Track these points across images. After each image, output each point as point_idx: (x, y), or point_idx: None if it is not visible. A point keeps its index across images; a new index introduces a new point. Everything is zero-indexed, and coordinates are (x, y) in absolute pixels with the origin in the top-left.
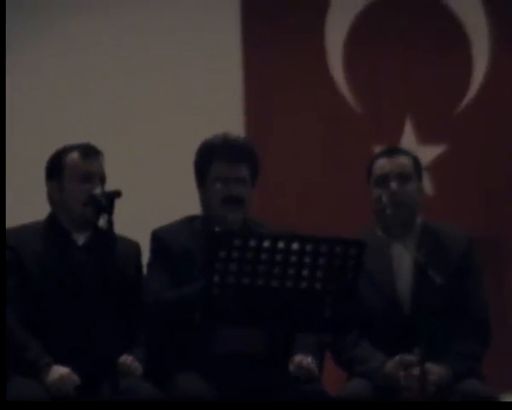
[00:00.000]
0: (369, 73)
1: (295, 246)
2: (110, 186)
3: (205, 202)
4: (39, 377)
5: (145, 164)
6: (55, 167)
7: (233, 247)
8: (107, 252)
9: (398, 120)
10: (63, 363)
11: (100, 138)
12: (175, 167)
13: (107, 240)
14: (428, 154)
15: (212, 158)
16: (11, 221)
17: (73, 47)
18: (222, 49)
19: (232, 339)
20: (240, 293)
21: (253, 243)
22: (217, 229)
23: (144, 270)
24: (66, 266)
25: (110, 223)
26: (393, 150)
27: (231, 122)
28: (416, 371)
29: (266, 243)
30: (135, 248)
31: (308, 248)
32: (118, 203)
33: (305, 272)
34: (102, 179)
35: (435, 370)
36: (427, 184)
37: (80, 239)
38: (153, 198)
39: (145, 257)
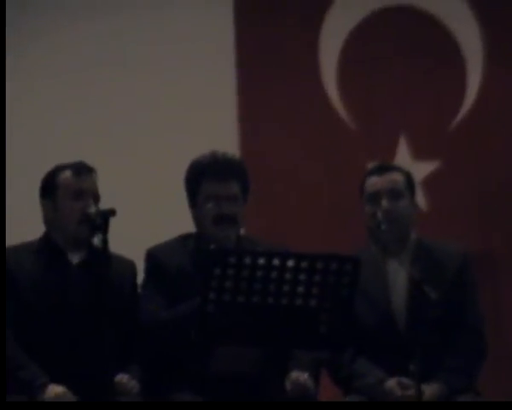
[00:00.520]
0: (363, 90)
1: (290, 263)
2: (105, 205)
3: (197, 220)
4: (35, 397)
5: (140, 182)
6: (49, 187)
7: (228, 264)
8: (103, 271)
9: (393, 135)
10: (59, 383)
11: (94, 155)
12: (170, 186)
13: (102, 259)
14: (423, 170)
15: (202, 177)
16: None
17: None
18: (215, 70)
19: (228, 357)
20: (235, 310)
21: (247, 260)
22: (212, 247)
23: (139, 288)
24: (61, 286)
25: (105, 242)
26: (385, 167)
27: (225, 142)
28: (411, 392)
29: (261, 261)
30: (130, 266)
31: (303, 265)
32: (112, 222)
33: (300, 289)
34: (96, 198)
35: (430, 392)
36: (422, 200)
37: (75, 258)
38: (148, 216)
39: (140, 276)
